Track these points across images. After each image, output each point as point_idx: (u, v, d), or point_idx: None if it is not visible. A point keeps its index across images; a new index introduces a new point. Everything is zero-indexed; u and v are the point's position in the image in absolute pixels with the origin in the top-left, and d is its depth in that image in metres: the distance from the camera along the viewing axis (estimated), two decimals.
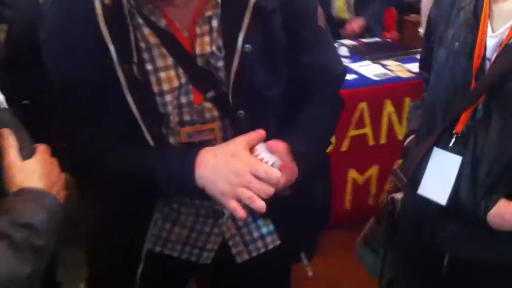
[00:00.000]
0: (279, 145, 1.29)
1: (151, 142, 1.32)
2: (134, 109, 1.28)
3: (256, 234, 1.52)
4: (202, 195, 1.25)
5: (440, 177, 1.54)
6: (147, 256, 1.44)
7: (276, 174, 1.20)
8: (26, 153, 1.11)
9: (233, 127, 1.36)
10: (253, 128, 1.31)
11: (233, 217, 1.46)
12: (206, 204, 1.42)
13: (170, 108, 1.33)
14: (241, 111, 1.35)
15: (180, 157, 1.26)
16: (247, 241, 1.52)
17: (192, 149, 1.27)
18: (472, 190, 1.48)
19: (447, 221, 1.56)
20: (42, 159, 1.13)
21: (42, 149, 1.15)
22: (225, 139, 1.35)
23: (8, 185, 1.06)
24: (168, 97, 1.33)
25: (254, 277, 1.57)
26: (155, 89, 1.32)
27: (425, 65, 1.77)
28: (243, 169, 1.20)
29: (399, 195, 1.76)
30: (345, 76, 1.56)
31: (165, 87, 1.32)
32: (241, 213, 1.19)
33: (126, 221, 1.40)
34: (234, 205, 1.19)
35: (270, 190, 1.19)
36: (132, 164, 1.30)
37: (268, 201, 1.21)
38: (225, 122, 1.37)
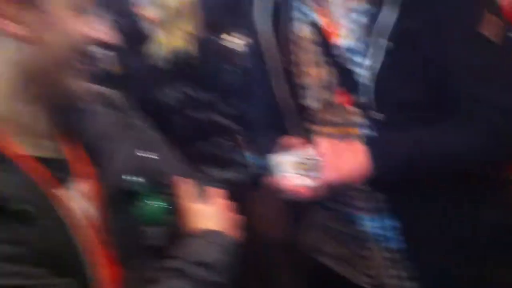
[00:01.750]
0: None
1: (288, 130, 1.43)
2: (278, 95, 1.41)
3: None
4: None
5: None
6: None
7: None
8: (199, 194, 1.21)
9: (372, 131, 1.33)
10: (390, 132, 1.29)
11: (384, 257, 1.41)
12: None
13: (313, 102, 1.40)
14: (380, 114, 1.30)
15: None
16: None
17: None
18: None
19: None
20: (217, 202, 1.21)
21: (216, 193, 1.23)
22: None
23: (186, 228, 1.16)
24: (311, 91, 1.40)
25: None
26: (299, 80, 1.40)
27: None
28: None
29: None
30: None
31: (309, 80, 1.39)
32: None
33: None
34: None
35: None
36: None
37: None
38: (365, 128, 1.34)
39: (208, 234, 1.15)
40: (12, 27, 0.90)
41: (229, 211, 1.22)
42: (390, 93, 1.28)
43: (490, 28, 1.20)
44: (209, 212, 1.19)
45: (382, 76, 1.27)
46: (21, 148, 0.96)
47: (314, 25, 1.37)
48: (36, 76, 0.95)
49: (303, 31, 1.39)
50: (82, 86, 1.01)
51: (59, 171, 1.01)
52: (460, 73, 1.25)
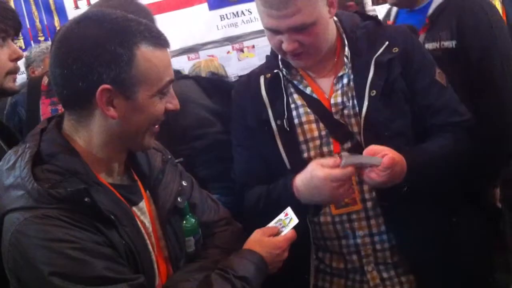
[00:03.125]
0: (374, 148, 1.55)
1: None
2: (283, 154, 1.71)
3: None
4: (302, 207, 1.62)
5: None
6: None
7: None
8: None
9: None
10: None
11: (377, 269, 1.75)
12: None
13: (312, 154, 1.72)
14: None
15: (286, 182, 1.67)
16: None
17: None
18: None
19: None
20: (280, 245, 1.52)
21: (288, 237, 1.53)
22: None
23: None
24: (311, 144, 1.72)
25: None
26: (300, 138, 1.73)
27: None
28: (322, 181, 1.54)
29: None
30: (470, 122, 1.76)
31: (308, 136, 1.72)
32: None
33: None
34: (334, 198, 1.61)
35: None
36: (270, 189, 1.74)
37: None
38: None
39: (249, 253, 1.47)
40: (112, 112, 1.30)
41: (281, 254, 1.51)
42: (377, 129, 1.65)
43: (440, 77, 1.77)
44: (269, 245, 1.50)
45: (370, 118, 1.65)
46: (106, 178, 1.39)
47: (309, 96, 1.74)
48: (123, 137, 1.36)
49: (300, 100, 1.75)
50: (152, 142, 1.44)
51: (130, 193, 1.42)
52: (427, 103, 1.72)
